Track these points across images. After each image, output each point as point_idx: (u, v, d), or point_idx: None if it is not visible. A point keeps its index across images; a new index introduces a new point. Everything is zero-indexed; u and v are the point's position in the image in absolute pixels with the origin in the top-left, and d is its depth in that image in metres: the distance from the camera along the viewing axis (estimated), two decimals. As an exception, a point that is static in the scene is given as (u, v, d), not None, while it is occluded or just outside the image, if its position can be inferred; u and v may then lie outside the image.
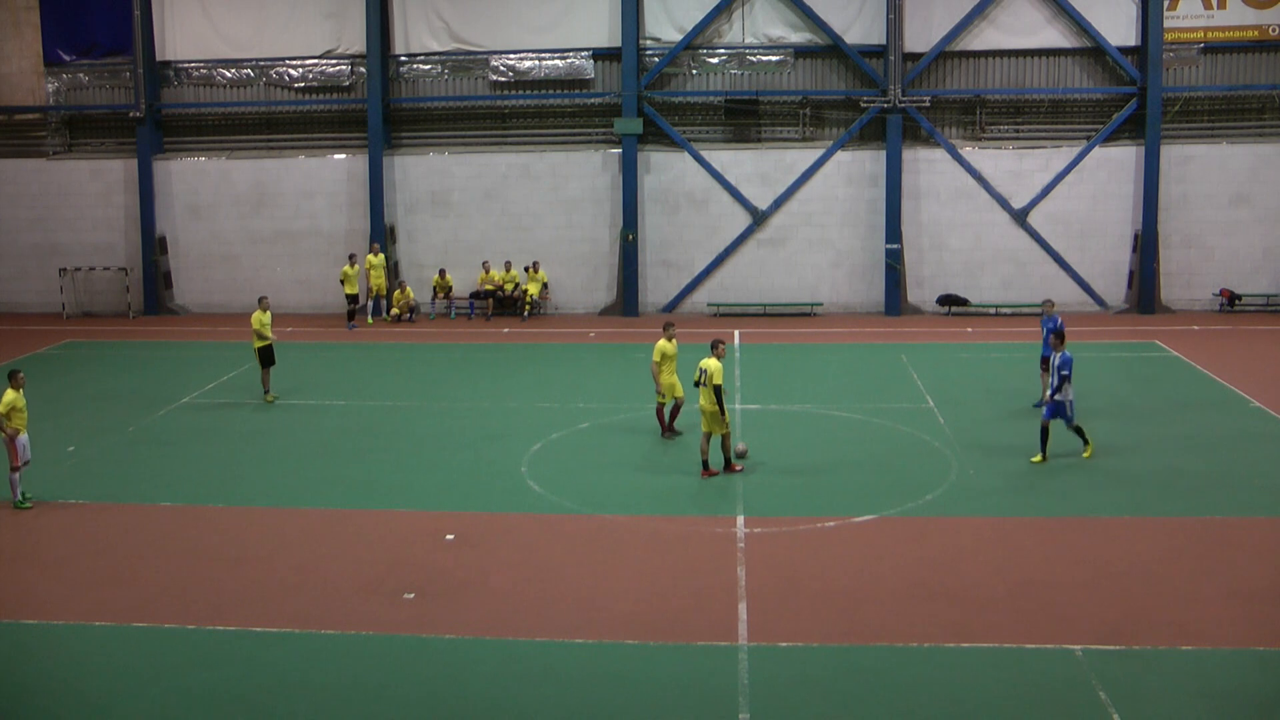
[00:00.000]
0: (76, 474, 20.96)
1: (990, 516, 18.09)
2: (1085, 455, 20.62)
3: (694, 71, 36.23)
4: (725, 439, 20.15)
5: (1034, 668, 13.13)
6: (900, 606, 14.78)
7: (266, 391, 26.07)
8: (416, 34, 36.74)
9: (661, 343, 22.02)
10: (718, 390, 19.64)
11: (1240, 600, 14.61)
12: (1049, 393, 20.52)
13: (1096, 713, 12.14)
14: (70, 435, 23.27)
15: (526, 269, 35.99)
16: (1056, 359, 20.26)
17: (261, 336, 25.77)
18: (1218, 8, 34.44)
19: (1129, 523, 17.69)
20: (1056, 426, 20.53)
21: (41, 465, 20.73)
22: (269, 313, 25.98)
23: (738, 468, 20.22)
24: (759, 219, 35.92)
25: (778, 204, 35.85)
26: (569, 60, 36.41)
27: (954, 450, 21.13)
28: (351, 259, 34.78)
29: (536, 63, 36.50)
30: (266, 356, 26.00)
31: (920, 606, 14.75)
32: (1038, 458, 20.44)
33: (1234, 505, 18.29)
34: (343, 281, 34.57)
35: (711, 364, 19.80)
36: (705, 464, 20.24)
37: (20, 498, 19.05)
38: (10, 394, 18.95)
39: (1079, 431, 20.66)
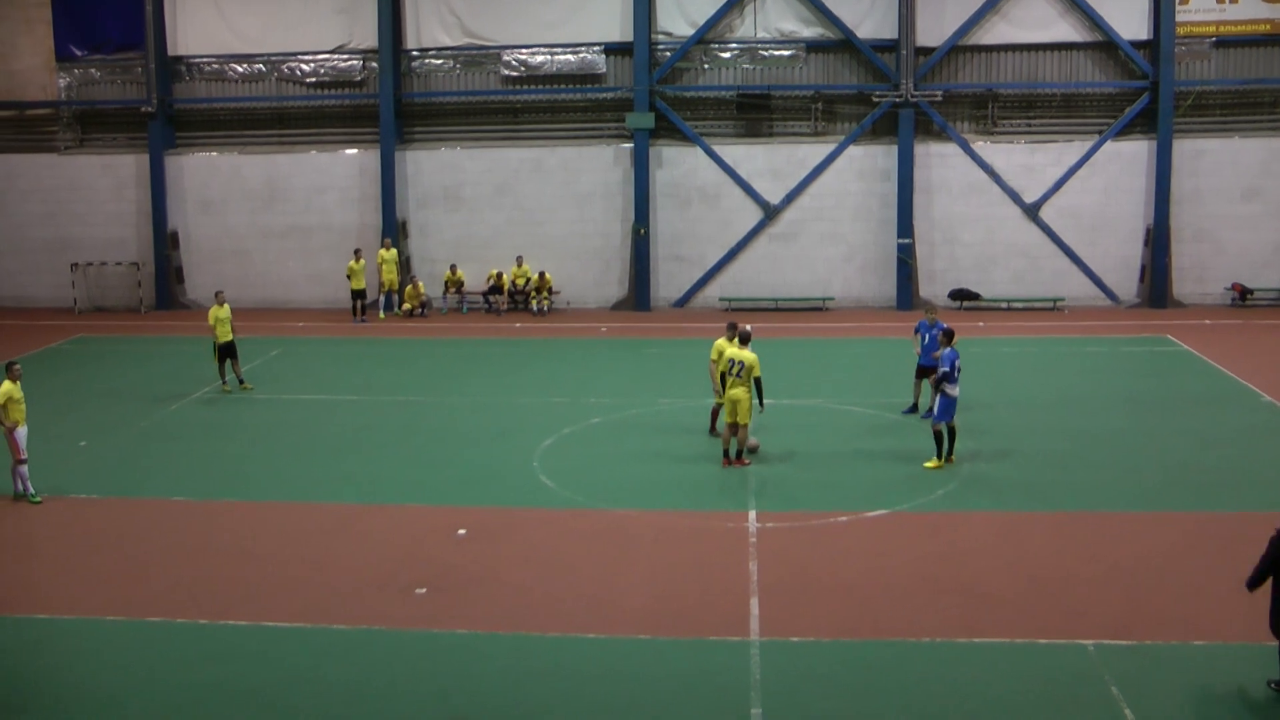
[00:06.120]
0: (88, 468, 21.02)
1: (1002, 511, 18.06)
2: (929, 465, 20.01)
3: (705, 66, 36.19)
4: (744, 430, 20.16)
5: (1045, 662, 13.11)
6: (912, 601, 14.77)
7: (241, 381, 26.44)
8: (428, 29, 36.74)
9: (721, 341, 20.75)
10: (758, 382, 19.76)
11: (1251, 595, 14.56)
12: (934, 387, 19.98)
13: (1108, 707, 12.12)
14: (82, 430, 23.32)
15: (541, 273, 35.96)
16: (944, 354, 19.87)
17: (222, 331, 25.96)
18: (1230, 2, 34.28)
19: (1140, 518, 17.66)
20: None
21: (53, 460, 20.81)
22: (226, 306, 26.08)
23: (747, 462, 20.24)
24: (770, 213, 35.88)
25: (789, 198, 35.81)
26: (580, 55, 36.39)
27: (966, 444, 21.07)
28: (357, 254, 34.88)
29: (548, 57, 36.50)
30: (228, 350, 26.15)
31: (932, 601, 14.74)
32: (934, 463, 20.00)
33: (1245, 500, 18.23)
34: (349, 276, 34.72)
35: (749, 356, 19.78)
36: (726, 453, 20.30)
37: (30, 492, 19.08)
38: (7, 385, 18.83)
39: (951, 434, 20.07)
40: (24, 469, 19.08)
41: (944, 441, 20.04)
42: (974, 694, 12.49)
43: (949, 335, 20.39)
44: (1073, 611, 14.35)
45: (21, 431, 18.96)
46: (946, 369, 19.77)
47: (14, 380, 18.99)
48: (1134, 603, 14.60)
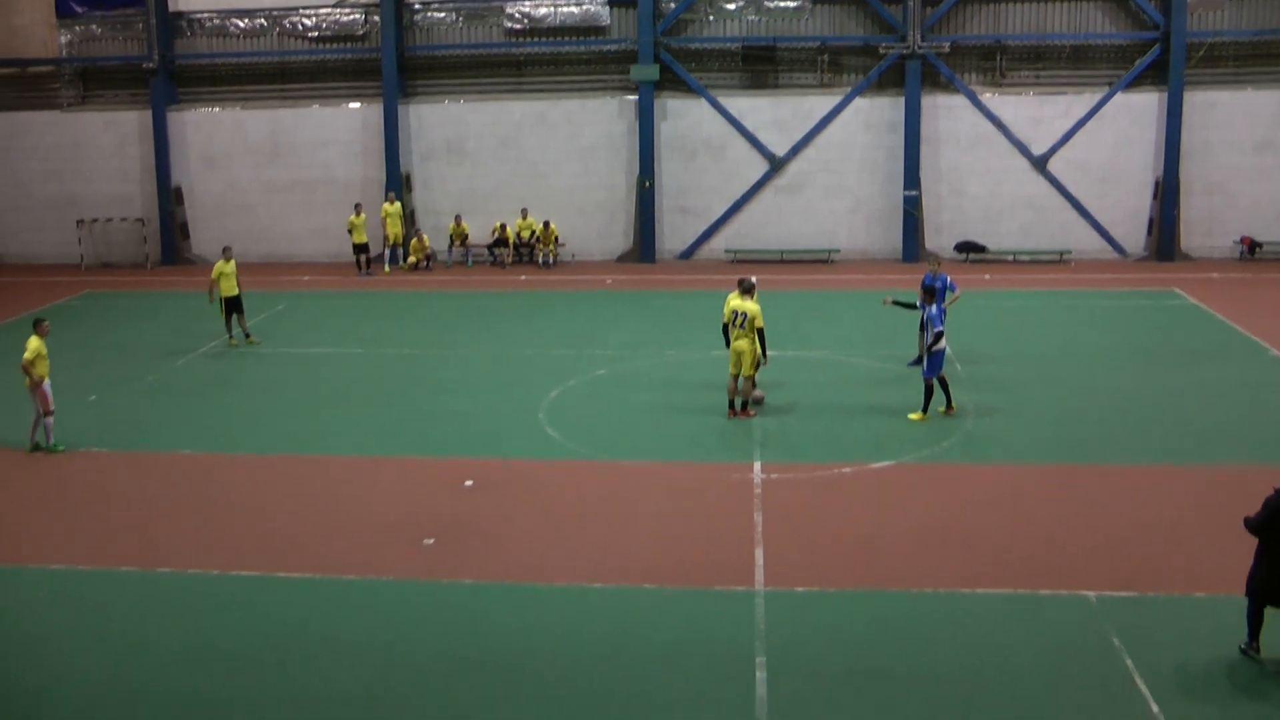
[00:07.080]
0: (98, 423, 21.11)
1: (1006, 464, 18.10)
2: (913, 417, 20.12)
3: (710, 17, 35.93)
4: (749, 382, 20.18)
5: (1048, 613, 13.18)
6: (916, 552, 14.84)
7: (247, 335, 26.54)
8: (431, -19, 36.53)
9: (733, 295, 20.43)
10: (761, 334, 19.75)
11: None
12: (927, 346, 20.00)
13: (1109, 657, 12.19)
14: (91, 384, 23.41)
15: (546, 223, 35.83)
16: (927, 313, 19.95)
17: (227, 286, 25.99)
18: (1244, -50, 33.92)
19: (1144, 471, 17.69)
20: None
21: (63, 414, 20.85)
22: (232, 262, 26.07)
23: (752, 414, 20.28)
24: (776, 165, 35.74)
25: (795, 151, 35.65)
26: (584, 7, 36.13)
27: (970, 397, 21.09)
28: (357, 208, 34.83)
29: (551, 10, 36.24)
30: (234, 304, 26.20)
31: (935, 552, 14.81)
32: (918, 415, 20.09)
33: (1251, 453, 18.25)
34: (350, 231, 34.73)
35: (751, 306, 19.78)
36: (731, 404, 20.33)
37: (52, 442, 19.45)
38: (35, 341, 19.26)
39: (943, 384, 20.20)
40: (50, 420, 19.45)
41: (933, 395, 20.08)
42: (977, 644, 12.57)
43: (930, 293, 20.15)
44: (1075, 563, 14.41)
45: (46, 385, 19.32)
46: (940, 329, 19.74)
47: (42, 337, 19.46)
48: (1137, 555, 14.65)
